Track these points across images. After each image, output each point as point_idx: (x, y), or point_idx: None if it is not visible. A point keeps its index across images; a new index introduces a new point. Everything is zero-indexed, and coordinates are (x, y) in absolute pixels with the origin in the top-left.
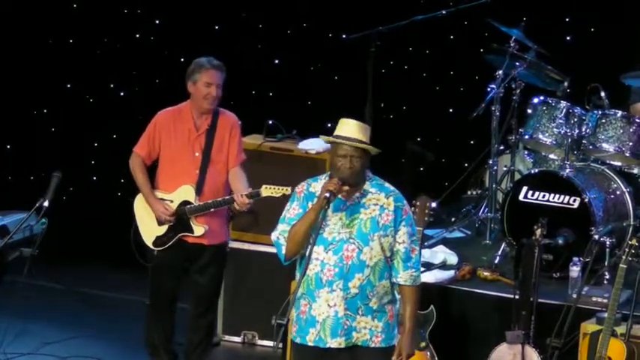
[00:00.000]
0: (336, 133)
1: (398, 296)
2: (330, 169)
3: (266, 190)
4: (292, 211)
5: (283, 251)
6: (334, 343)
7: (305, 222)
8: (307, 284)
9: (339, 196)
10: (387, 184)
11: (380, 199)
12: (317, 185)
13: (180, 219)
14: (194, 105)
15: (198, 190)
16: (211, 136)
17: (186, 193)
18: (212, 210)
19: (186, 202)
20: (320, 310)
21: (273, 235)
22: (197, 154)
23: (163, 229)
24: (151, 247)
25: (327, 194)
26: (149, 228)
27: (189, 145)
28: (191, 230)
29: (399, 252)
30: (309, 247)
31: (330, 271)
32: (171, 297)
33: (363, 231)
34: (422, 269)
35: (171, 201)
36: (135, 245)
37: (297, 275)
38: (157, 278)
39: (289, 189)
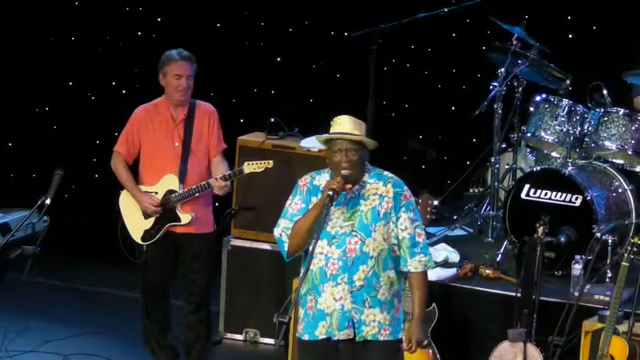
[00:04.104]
0: (331, 131)
1: (402, 290)
2: (330, 167)
3: (248, 167)
4: (295, 205)
5: (286, 248)
6: (342, 335)
7: (308, 220)
8: (312, 279)
9: (345, 191)
10: (385, 173)
11: (379, 188)
12: (321, 179)
13: (167, 209)
14: (168, 97)
15: (182, 178)
16: (189, 126)
17: (169, 182)
18: (197, 195)
19: (170, 192)
20: (327, 304)
21: (276, 232)
22: (177, 144)
23: (150, 221)
24: (140, 242)
25: (330, 193)
26: (136, 223)
27: (169, 136)
28: (178, 219)
29: (404, 240)
30: (313, 243)
31: (334, 264)
32: (162, 292)
33: (365, 222)
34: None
35: (156, 192)
36: (123, 243)
37: (302, 271)
38: (146, 274)
39: (271, 162)
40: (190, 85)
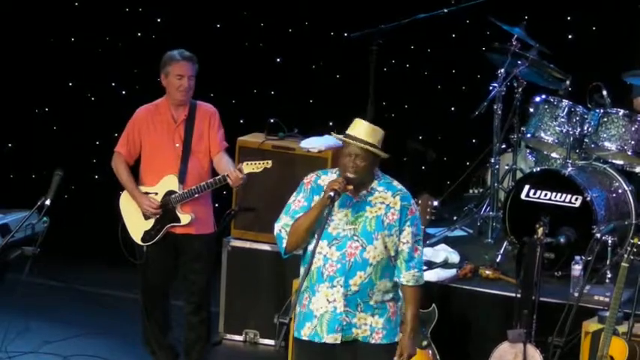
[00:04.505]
0: (347, 131)
1: (401, 294)
2: (338, 164)
3: (247, 167)
4: (297, 203)
5: (284, 245)
6: (330, 338)
7: (308, 218)
8: (309, 278)
9: (347, 192)
10: (394, 183)
11: (387, 198)
12: (326, 178)
13: (167, 210)
14: (169, 97)
15: (182, 179)
16: (190, 126)
17: (169, 183)
18: (197, 196)
19: (170, 192)
20: (318, 305)
21: (276, 228)
22: (177, 144)
23: (150, 222)
24: (140, 243)
25: (332, 193)
26: (136, 224)
27: (169, 136)
28: (178, 220)
29: (402, 252)
30: (315, 242)
31: (332, 266)
32: (162, 293)
33: (368, 229)
34: (424, 268)
35: (156, 193)
36: (123, 244)
37: (302, 270)
38: (146, 275)
39: (270, 162)
40: (192, 85)
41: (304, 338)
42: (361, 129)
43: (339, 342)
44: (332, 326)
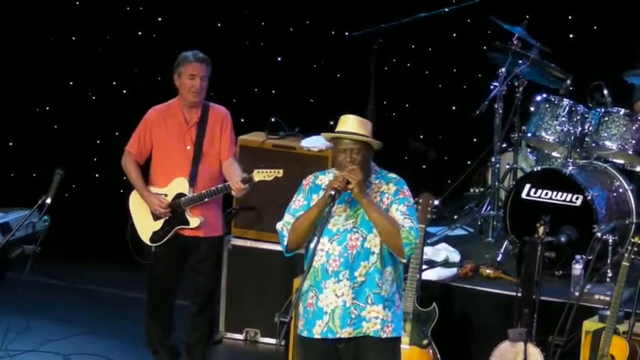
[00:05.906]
0: (336, 129)
1: (402, 292)
2: (334, 165)
3: (258, 175)
4: (297, 202)
5: (285, 242)
6: (344, 333)
7: (308, 217)
8: (314, 276)
9: (347, 190)
10: (390, 174)
11: (381, 187)
12: (324, 178)
13: (176, 212)
14: (182, 98)
15: (192, 182)
16: (202, 129)
17: (179, 185)
18: (206, 200)
19: (180, 195)
20: (327, 301)
21: (278, 226)
22: (189, 147)
23: (159, 223)
24: (148, 243)
25: (332, 192)
26: (145, 224)
27: (181, 138)
28: (187, 222)
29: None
30: (315, 240)
31: (335, 261)
32: (168, 293)
33: (366, 219)
34: (424, 267)
35: (166, 195)
36: (131, 243)
37: (305, 270)
38: (154, 274)
39: (281, 171)
40: (204, 86)
41: (317, 337)
42: (350, 123)
43: (352, 335)
44: (344, 320)
